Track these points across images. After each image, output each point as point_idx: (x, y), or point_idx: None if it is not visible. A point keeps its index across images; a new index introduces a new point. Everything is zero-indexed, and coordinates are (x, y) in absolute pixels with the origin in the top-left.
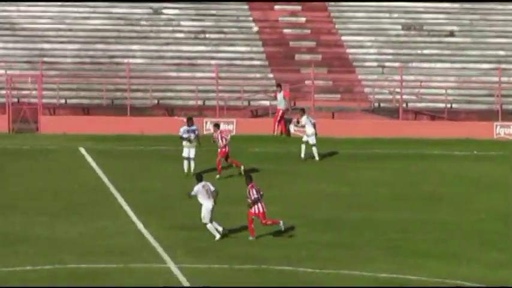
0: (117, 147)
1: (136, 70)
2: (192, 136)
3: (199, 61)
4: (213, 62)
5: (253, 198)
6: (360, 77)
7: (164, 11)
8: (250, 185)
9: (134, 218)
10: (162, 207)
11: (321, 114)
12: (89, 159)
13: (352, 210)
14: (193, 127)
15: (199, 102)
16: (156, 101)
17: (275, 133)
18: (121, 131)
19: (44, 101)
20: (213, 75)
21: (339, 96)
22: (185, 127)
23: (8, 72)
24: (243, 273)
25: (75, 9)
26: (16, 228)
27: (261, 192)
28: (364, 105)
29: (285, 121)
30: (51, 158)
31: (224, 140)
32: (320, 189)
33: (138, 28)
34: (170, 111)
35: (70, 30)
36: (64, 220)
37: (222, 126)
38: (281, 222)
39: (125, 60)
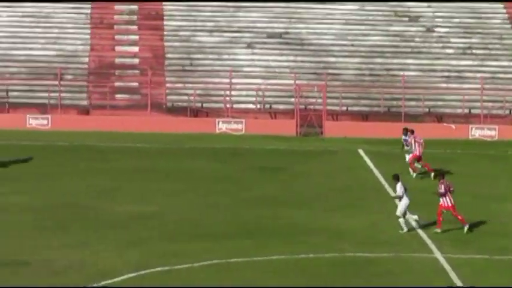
0: (392, 150)
1: (410, 81)
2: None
3: (466, 74)
4: (478, 74)
5: (439, 192)
6: None
7: (436, 29)
8: (440, 181)
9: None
10: (426, 202)
11: None
12: (367, 160)
13: None
14: (404, 137)
15: (466, 111)
16: (427, 109)
17: None
18: (395, 135)
19: (328, 108)
20: (479, 86)
21: None
22: (403, 136)
23: (297, 82)
24: (501, 264)
25: (357, 27)
26: (302, 221)
27: (452, 189)
28: None
29: None
30: (333, 159)
31: (417, 144)
32: None
33: (412, 44)
34: (439, 118)
35: (352, 45)
36: (344, 214)
37: (485, 132)
38: (466, 227)
39: (401, 73)
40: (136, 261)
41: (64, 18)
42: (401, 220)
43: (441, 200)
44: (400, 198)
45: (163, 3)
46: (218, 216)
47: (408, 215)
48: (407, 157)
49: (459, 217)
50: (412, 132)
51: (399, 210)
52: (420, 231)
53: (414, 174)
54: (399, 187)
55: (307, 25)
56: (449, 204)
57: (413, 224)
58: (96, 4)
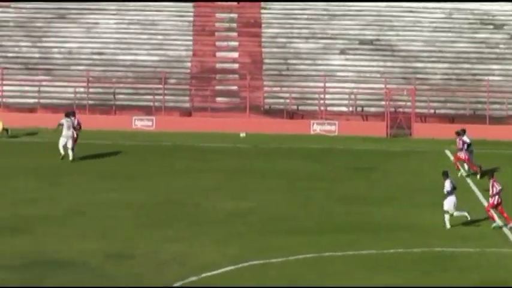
0: (476, 150)
1: (494, 86)
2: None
3: None
4: None
5: (496, 191)
6: None
7: None
8: (492, 180)
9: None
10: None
11: None
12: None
13: None
14: (466, 138)
15: None
16: (510, 112)
17: None
18: (480, 137)
19: (417, 110)
20: None
21: None
22: (467, 137)
23: (387, 86)
24: None
25: (445, 34)
26: (391, 218)
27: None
28: None
29: None
30: (421, 159)
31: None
32: None
33: (497, 50)
34: None
35: (440, 51)
36: (431, 211)
37: None
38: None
39: (485, 78)
40: (235, 254)
41: (168, 25)
42: (446, 216)
43: (494, 198)
44: (448, 194)
45: (262, 11)
46: (312, 213)
47: (456, 213)
48: (464, 156)
49: (489, 214)
50: (459, 134)
51: (447, 207)
52: (504, 227)
53: (478, 175)
54: (448, 183)
55: (397, 32)
56: (495, 203)
57: (467, 216)
58: (199, 12)
